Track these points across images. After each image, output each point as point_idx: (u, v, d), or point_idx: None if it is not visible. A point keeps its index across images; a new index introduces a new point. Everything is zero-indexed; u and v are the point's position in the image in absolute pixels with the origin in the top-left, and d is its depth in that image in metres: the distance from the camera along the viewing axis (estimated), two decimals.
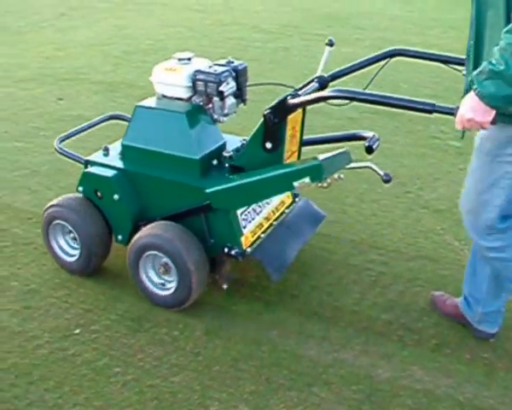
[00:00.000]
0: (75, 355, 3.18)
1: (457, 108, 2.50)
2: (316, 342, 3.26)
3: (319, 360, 3.14)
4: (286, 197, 3.81)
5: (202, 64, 3.54)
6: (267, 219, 3.62)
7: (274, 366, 3.10)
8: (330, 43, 3.53)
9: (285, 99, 3.08)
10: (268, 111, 3.13)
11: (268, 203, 3.65)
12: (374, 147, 2.90)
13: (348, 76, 3.47)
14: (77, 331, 3.34)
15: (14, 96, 6.83)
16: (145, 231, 3.41)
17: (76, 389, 2.97)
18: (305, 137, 3.54)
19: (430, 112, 2.61)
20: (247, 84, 3.61)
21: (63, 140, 4.00)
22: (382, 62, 3.42)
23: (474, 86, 2.37)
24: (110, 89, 6.93)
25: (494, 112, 2.40)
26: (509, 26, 2.27)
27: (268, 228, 3.60)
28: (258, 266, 3.64)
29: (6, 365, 3.13)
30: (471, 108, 2.42)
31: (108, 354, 3.19)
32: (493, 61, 2.30)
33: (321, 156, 3.02)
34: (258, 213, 3.55)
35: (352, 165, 3.33)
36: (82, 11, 11.30)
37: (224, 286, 3.52)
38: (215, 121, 3.52)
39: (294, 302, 3.55)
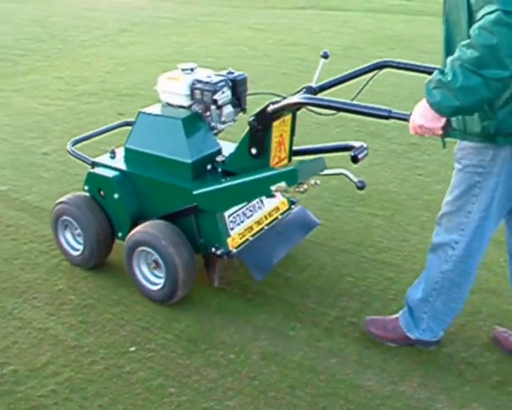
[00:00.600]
0: (130, 373, 3.16)
1: (411, 114, 2.60)
2: (374, 373, 3.16)
3: (377, 391, 3.05)
4: (281, 204, 3.94)
5: (202, 74, 3.70)
6: (258, 223, 3.77)
7: (331, 396, 3.02)
8: (325, 56, 3.74)
9: (267, 107, 3.23)
10: (252, 118, 3.28)
11: (260, 208, 3.81)
12: (359, 157, 3.13)
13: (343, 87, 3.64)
14: (132, 349, 3.32)
15: (76, 110, 6.92)
16: (138, 229, 3.61)
17: (130, 408, 2.95)
18: (298, 148, 3.69)
19: (387, 118, 2.71)
20: (247, 93, 3.80)
21: (76, 143, 4.27)
22: (371, 74, 3.62)
23: (425, 93, 2.48)
24: None
25: (444, 119, 2.49)
26: (467, 40, 2.34)
27: (258, 232, 3.74)
28: (317, 292, 3.61)
29: (61, 379, 3.13)
30: (422, 114, 2.52)
31: (163, 373, 3.15)
32: (444, 71, 2.41)
33: (297, 162, 3.31)
34: (248, 217, 3.72)
35: (326, 172, 3.51)
36: (143, 27, 11.45)
37: (215, 285, 3.66)
38: (212, 128, 3.70)
39: (354, 330, 3.46)
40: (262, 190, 3.31)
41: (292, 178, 3.21)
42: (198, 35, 10.68)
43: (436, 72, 2.44)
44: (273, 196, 3.36)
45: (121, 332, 3.44)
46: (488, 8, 2.29)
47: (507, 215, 3.04)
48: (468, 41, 2.33)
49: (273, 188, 3.23)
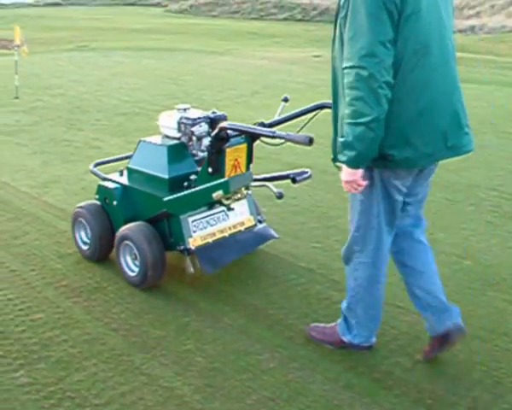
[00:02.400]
0: None
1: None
2: None
3: None
4: (247, 220, 4.74)
5: (191, 113, 4.58)
6: (221, 231, 4.59)
7: None
8: (285, 100, 4.66)
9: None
10: (208, 144, 4.31)
11: (225, 220, 4.62)
12: (297, 179, 4.43)
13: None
14: None
15: None
16: (125, 227, 4.56)
17: None
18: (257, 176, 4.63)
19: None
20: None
21: (98, 165, 5.30)
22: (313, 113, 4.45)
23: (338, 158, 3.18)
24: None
25: (359, 171, 3.13)
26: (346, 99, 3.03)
27: (220, 238, 4.57)
28: (447, 380, 3.52)
29: None
30: (343, 174, 3.17)
31: None
32: (342, 135, 3.08)
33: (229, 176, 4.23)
34: (211, 225, 4.56)
35: (254, 184, 4.56)
36: (274, 90, 11.64)
37: (191, 270, 4.43)
38: (194, 155, 4.58)
39: None
40: (207, 197, 4.28)
41: (226, 187, 4.20)
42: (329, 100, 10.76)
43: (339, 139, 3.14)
44: (219, 202, 4.41)
45: (247, 400, 3.42)
46: (346, 63, 3.00)
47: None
48: (345, 99, 3.03)
49: (214, 195, 4.22)
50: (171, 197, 4.36)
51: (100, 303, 4.39)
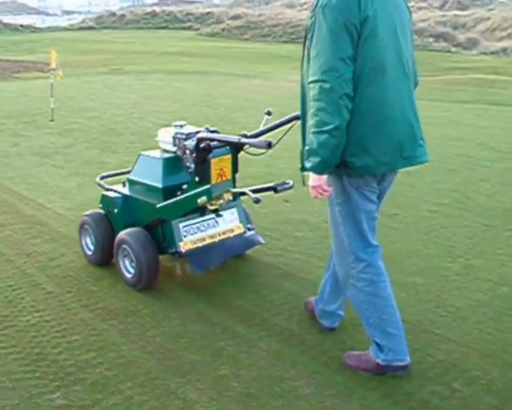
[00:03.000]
0: None
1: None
2: None
3: None
4: (236, 227, 5.07)
5: (186, 128, 4.91)
6: (211, 237, 4.94)
7: None
8: (268, 113, 4.97)
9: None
10: (194, 155, 4.66)
11: (214, 226, 4.96)
12: (278, 189, 4.64)
13: None
14: None
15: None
16: (123, 232, 4.95)
17: None
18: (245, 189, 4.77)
19: (242, 145, 4.52)
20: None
21: (103, 178, 5.72)
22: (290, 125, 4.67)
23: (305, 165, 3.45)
24: None
25: (323, 177, 3.44)
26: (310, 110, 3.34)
27: (210, 243, 4.91)
28: None
29: None
30: (310, 180, 3.45)
31: None
32: (307, 143, 3.39)
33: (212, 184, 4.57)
34: (202, 231, 4.91)
35: (233, 190, 4.80)
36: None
37: (178, 272, 5.07)
38: (187, 168, 4.83)
39: None
40: (193, 202, 4.59)
41: (208, 193, 4.51)
42: None
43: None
44: (205, 208, 4.76)
45: None
46: (311, 78, 3.35)
47: None
48: (310, 111, 3.33)
49: (198, 201, 4.53)
50: (162, 204, 4.75)
51: (135, 326, 4.40)
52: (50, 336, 4.30)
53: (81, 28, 40.63)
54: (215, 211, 4.89)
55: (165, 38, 34.22)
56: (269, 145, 4.00)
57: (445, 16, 37.47)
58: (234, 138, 4.45)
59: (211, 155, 4.57)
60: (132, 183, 5.10)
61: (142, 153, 5.11)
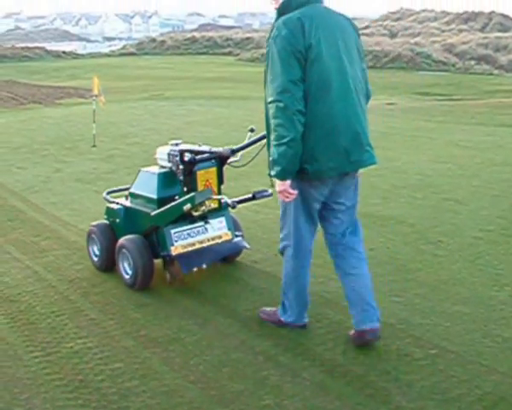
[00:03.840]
0: None
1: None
2: None
3: None
4: (224, 234, 5.53)
5: (180, 146, 5.36)
6: (201, 242, 5.40)
7: None
8: (251, 130, 5.44)
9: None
10: (181, 167, 5.27)
11: (204, 233, 5.42)
12: (256, 196, 5.13)
13: None
14: None
15: None
16: (123, 239, 5.49)
17: None
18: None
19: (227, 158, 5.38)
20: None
21: (109, 193, 6.20)
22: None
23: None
24: (379, 223, 6.92)
25: (287, 182, 4.06)
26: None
27: (199, 248, 5.38)
28: None
29: None
30: (276, 184, 4.13)
31: None
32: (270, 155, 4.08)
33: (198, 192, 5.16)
34: (192, 237, 5.37)
35: (214, 197, 5.22)
36: None
37: (168, 280, 5.43)
38: (180, 181, 5.31)
39: None
40: (179, 209, 5.07)
41: (192, 201, 4.96)
42: (404, 150, 10.70)
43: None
44: (190, 214, 5.24)
45: None
46: (269, 99, 4.01)
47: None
48: (271, 127, 4.01)
49: (184, 208, 5.00)
50: (155, 212, 5.28)
51: (178, 354, 4.37)
52: (93, 363, 4.30)
53: (122, 54, 41.25)
54: (204, 219, 5.42)
55: (205, 63, 34.56)
56: (232, 152, 5.24)
57: (487, 38, 37.26)
58: (206, 150, 5.25)
59: (196, 167, 5.26)
60: (132, 195, 5.67)
61: (142, 169, 5.73)
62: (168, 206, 5.17)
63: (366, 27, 53.05)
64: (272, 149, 4.02)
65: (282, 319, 4.64)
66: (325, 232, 4.53)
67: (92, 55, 45.39)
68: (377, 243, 6.22)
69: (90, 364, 4.28)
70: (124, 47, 50.37)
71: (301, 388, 3.95)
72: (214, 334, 4.64)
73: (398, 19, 56.98)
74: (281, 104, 3.91)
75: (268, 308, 4.84)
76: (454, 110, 16.46)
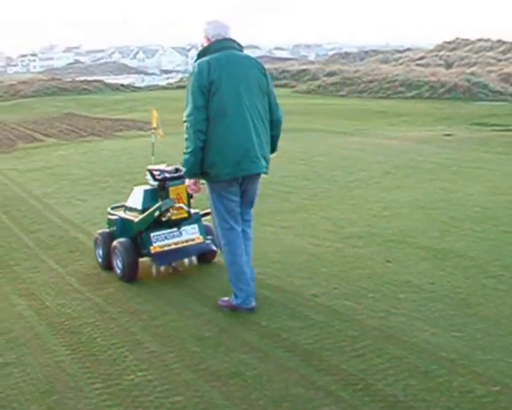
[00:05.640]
0: None
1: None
2: None
3: None
4: (196, 238, 6.61)
5: (163, 168, 6.56)
6: (176, 243, 6.51)
7: None
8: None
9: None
10: (156, 183, 6.48)
11: (178, 236, 6.52)
12: (162, 209, 6.28)
13: None
14: None
15: (344, 253, 7.04)
16: (115, 241, 6.65)
17: None
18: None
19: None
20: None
21: (113, 209, 7.24)
22: None
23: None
24: (438, 256, 6.80)
25: (192, 180, 5.58)
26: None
27: (174, 248, 6.49)
28: None
29: None
30: (186, 181, 5.73)
31: None
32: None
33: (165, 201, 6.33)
34: (168, 239, 6.47)
35: (177, 205, 6.37)
36: (406, 170, 11.56)
37: (153, 272, 6.65)
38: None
39: None
40: (152, 216, 6.30)
41: (159, 208, 6.22)
42: (463, 182, 10.55)
43: None
44: (161, 219, 6.33)
45: None
46: (184, 119, 5.32)
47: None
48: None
49: (155, 215, 6.25)
50: (137, 219, 6.51)
51: (238, 388, 4.38)
52: (153, 396, 4.33)
53: (179, 87, 41.69)
54: (177, 225, 6.50)
55: None
56: (176, 170, 6.36)
57: None
58: (168, 170, 6.46)
59: (169, 183, 6.40)
60: (126, 208, 6.95)
61: (134, 187, 7.01)
62: (145, 213, 6.42)
63: (421, 58, 52.73)
64: (184, 155, 5.39)
65: (234, 303, 5.60)
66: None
67: (150, 88, 46.12)
68: (437, 276, 6.14)
69: (151, 397, 4.32)
70: (181, 80, 50.88)
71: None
72: (274, 368, 4.63)
73: (453, 49, 56.45)
74: (188, 124, 5.30)
75: (225, 298, 5.73)
76: None
